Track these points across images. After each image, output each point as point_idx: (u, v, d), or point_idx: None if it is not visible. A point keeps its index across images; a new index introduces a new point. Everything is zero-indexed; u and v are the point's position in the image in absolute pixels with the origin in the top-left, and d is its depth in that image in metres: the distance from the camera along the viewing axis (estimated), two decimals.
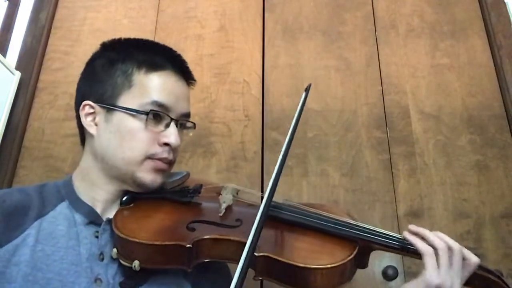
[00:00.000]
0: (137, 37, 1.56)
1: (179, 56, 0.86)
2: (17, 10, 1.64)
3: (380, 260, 1.22)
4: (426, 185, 1.33)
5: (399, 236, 0.77)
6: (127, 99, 0.78)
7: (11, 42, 1.58)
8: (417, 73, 1.48)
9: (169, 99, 0.79)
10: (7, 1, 1.62)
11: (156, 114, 0.78)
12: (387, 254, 1.20)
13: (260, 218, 0.66)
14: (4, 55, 1.50)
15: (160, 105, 0.78)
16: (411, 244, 0.74)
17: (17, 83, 1.46)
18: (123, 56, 0.81)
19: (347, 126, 1.41)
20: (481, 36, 1.53)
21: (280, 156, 0.77)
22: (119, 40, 0.86)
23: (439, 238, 0.72)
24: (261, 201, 0.71)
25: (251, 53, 1.53)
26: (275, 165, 0.76)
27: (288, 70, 1.50)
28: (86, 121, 0.80)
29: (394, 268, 1.20)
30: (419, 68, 1.49)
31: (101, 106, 0.79)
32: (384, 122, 1.42)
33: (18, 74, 1.47)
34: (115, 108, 0.77)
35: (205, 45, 1.54)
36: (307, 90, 0.88)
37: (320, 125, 1.42)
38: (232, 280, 0.88)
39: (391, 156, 1.37)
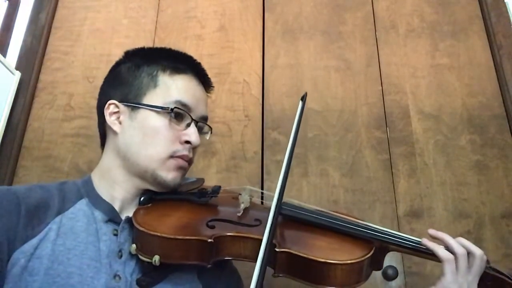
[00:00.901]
0: (137, 37, 1.58)
1: (199, 64, 0.91)
2: (17, 10, 1.64)
3: None
4: (426, 185, 1.33)
5: (414, 238, 0.79)
6: (152, 98, 0.82)
7: (11, 42, 1.57)
8: (417, 73, 1.48)
9: (191, 101, 0.83)
10: (7, 1, 1.62)
11: (179, 113, 0.81)
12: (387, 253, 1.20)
13: (275, 208, 0.70)
14: (4, 55, 1.50)
15: (183, 104, 0.82)
16: (428, 249, 0.76)
17: (17, 83, 1.46)
18: (148, 61, 0.86)
19: (347, 126, 1.41)
20: (481, 36, 1.53)
21: (286, 157, 0.81)
22: (143, 48, 0.91)
23: (459, 244, 0.75)
24: (273, 198, 0.74)
25: (251, 53, 1.53)
26: (279, 166, 0.80)
27: (288, 70, 1.50)
28: (111, 120, 0.83)
29: (394, 268, 1.20)
30: (419, 68, 1.49)
31: (125, 105, 0.83)
32: (384, 122, 1.42)
33: (18, 74, 1.47)
34: (140, 106, 0.81)
35: (205, 45, 1.54)
36: (303, 99, 0.90)
37: (320, 125, 1.42)
38: (242, 286, 0.91)
39: (391, 156, 1.37)
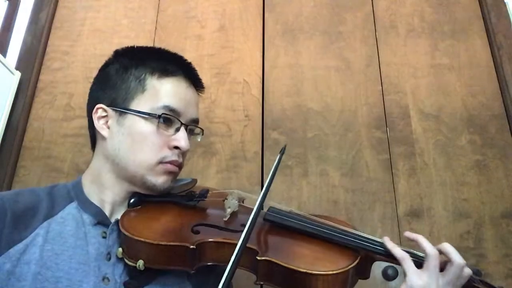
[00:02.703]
0: (137, 37, 1.58)
1: (190, 64, 0.89)
2: (17, 10, 1.63)
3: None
4: (426, 185, 1.33)
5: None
6: (140, 103, 0.80)
7: (11, 42, 1.57)
8: (417, 73, 1.48)
9: (180, 105, 0.82)
10: (7, 1, 1.62)
11: (167, 118, 0.80)
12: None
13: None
14: (4, 55, 1.50)
15: (171, 109, 0.80)
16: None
17: (17, 83, 1.46)
18: (136, 63, 0.84)
19: (347, 126, 1.41)
20: (481, 36, 1.53)
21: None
22: (132, 47, 0.88)
23: (433, 246, 0.74)
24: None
25: (251, 53, 1.53)
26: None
27: (288, 70, 1.50)
28: (99, 124, 0.82)
29: (394, 268, 1.19)
30: (419, 68, 1.49)
31: (113, 110, 0.81)
32: (384, 122, 1.42)
33: (18, 74, 1.47)
34: (127, 111, 0.80)
35: (205, 45, 1.54)
36: (282, 152, 0.88)
37: (320, 125, 1.42)
38: (232, 287, 0.90)
39: (391, 156, 1.37)
